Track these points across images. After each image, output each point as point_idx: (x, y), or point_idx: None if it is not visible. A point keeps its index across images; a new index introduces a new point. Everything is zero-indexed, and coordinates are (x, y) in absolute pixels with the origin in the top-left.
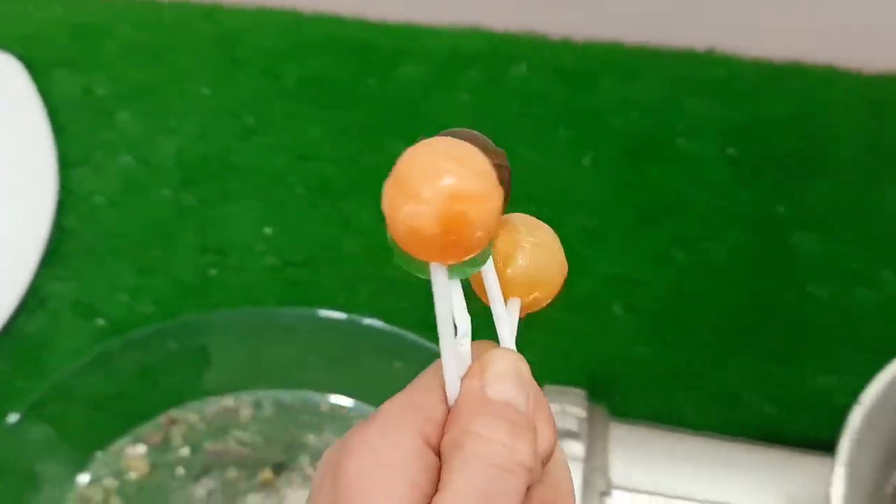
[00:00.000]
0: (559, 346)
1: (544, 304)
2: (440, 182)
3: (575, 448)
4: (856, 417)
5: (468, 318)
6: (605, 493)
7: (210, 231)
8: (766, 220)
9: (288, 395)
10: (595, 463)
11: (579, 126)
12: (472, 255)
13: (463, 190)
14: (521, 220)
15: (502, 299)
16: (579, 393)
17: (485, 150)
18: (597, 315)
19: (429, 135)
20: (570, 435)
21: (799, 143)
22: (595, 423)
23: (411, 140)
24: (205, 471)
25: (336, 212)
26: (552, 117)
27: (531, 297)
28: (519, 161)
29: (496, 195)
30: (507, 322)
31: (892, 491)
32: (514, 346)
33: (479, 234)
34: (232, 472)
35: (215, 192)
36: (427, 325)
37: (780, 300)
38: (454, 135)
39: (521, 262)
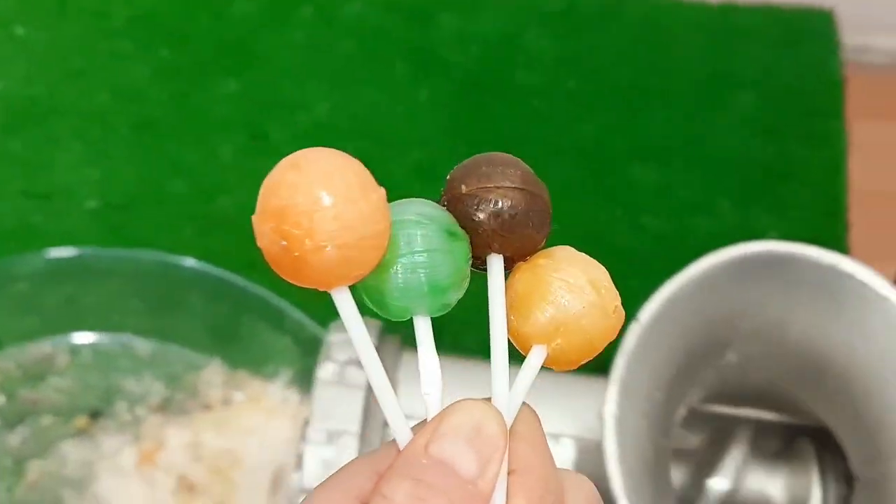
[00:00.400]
0: None
1: (577, 360)
2: (273, 193)
3: (358, 377)
4: (631, 335)
5: (436, 360)
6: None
7: (34, 175)
8: (603, 153)
9: (107, 340)
10: None
11: (416, 62)
12: (360, 271)
13: (287, 202)
14: (563, 254)
15: (504, 332)
16: (373, 324)
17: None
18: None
19: (258, 74)
20: (352, 363)
21: (638, 75)
22: (385, 354)
23: (241, 79)
24: (19, 418)
25: (161, 153)
26: (389, 54)
27: (553, 344)
28: (355, 99)
29: (348, 204)
30: (502, 368)
31: (687, 415)
32: (515, 401)
33: (327, 248)
34: (47, 420)
35: (40, 137)
36: (255, 266)
37: (613, 231)
38: (488, 159)
39: (543, 305)
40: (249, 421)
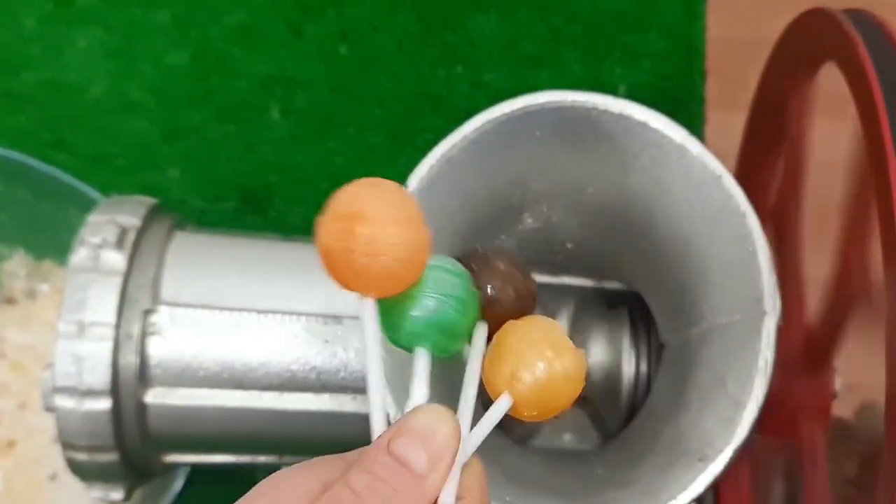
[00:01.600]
0: (207, 157)
1: (540, 415)
2: (350, 200)
3: (114, 260)
4: None
5: (425, 392)
6: (150, 311)
7: None
8: (441, 4)
9: None
10: (141, 279)
11: None
12: (395, 289)
13: (365, 209)
14: (546, 332)
15: (475, 382)
16: (145, 202)
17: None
18: (251, 121)
19: None
20: (107, 245)
21: None
22: (152, 235)
23: None
24: None
25: None
26: None
27: (525, 412)
28: None
29: (409, 228)
30: (468, 407)
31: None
32: (481, 430)
33: (383, 258)
34: None
35: None
36: (62, 146)
37: (452, 90)
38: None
39: (528, 384)
40: (55, 314)
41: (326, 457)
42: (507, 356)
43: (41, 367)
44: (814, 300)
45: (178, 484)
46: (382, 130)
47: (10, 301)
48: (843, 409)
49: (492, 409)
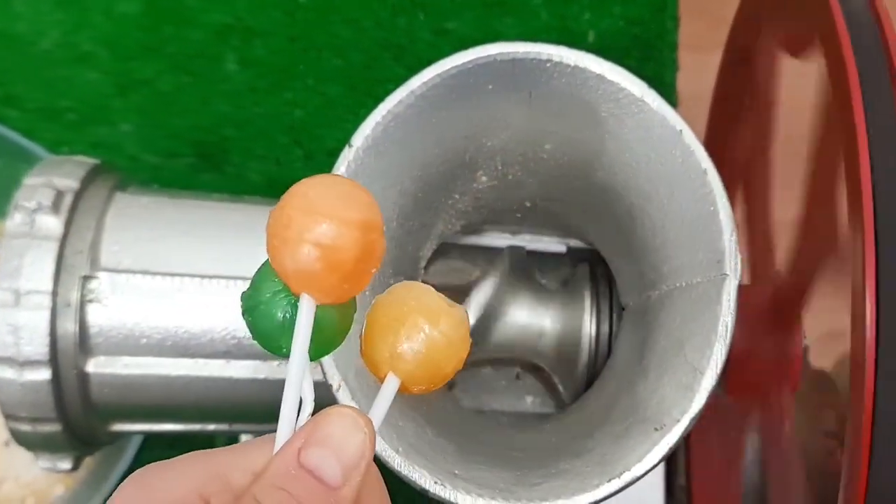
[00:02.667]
0: (160, 111)
1: (428, 386)
2: (359, 207)
3: (50, 225)
4: (342, 162)
5: (311, 394)
6: (89, 277)
7: None
8: None
9: None
10: (78, 244)
11: None
12: (344, 297)
13: (375, 219)
14: (417, 298)
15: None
16: (85, 163)
17: None
18: (206, 73)
19: None
20: (42, 209)
21: None
22: (90, 198)
23: None
24: None
25: None
26: None
27: (415, 388)
28: None
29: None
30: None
31: (454, 249)
32: (375, 423)
33: (373, 271)
34: None
35: None
36: (11, 101)
37: (414, 39)
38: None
39: (410, 361)
40: None
41: (205, 453)
42: (383, 335)
43: None
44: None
45: (132, 450)
46: (342, 81)
47: None
48: (822, 360)
49: (380, 393)
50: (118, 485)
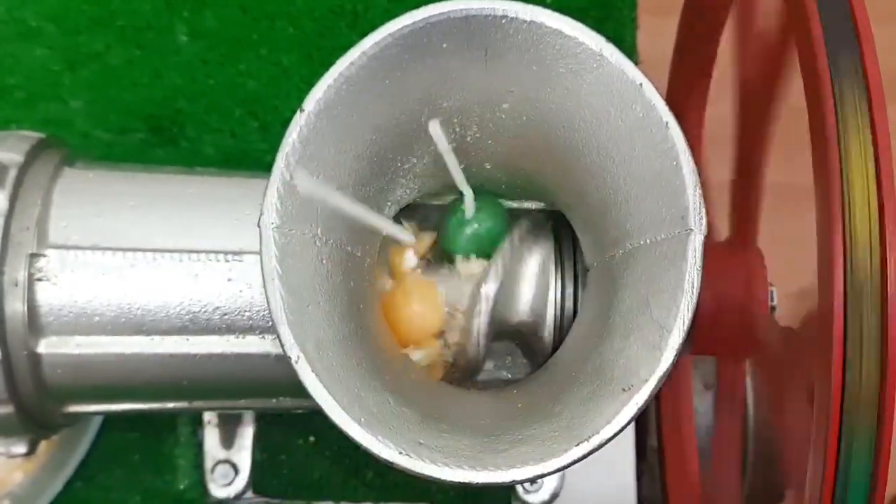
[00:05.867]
0: (111, 86)
1: None
2: None
3: None
4: (294, 128)
5: None
6: (37, 255)
7: None
8: None
9: None
10: (24, 220)
11: None
12: None
13: None
14: None
15: None
16: (29, 136)
17: None
18: (157, 45)
19: None
20: None
21: None
22: (36, 173)
23: None
24: None
25: None
26: None
27: None
28: None
29: None
30: None
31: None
32: None
33: None
34: None
35: None
36: None
37: (369, 6)
38: None
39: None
40: None
41: None
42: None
43: None
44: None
45: (92, 432)
46: (296, 51)
47: None
48: (790, 318)
49: None
50: (79, 468)
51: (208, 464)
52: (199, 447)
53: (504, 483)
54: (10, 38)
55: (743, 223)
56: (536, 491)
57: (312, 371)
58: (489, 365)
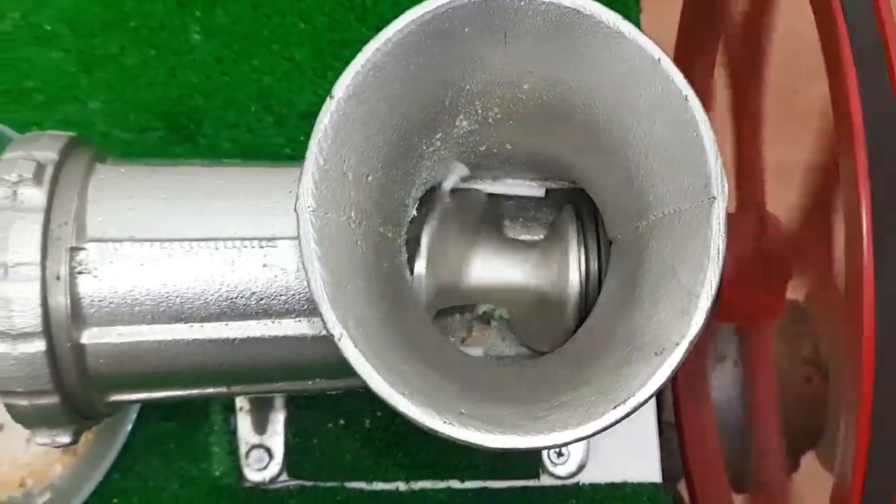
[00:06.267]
0: (127, 87)
1: None
2: None
3: (33, 197)
4: (325, 115)
5: None
6: (77, 249)
7: None
8: None
9: None
10: (63, 216)
11: None
12: None
13: None
14: None
15: None
16: (61, 136)
17: None
18: (171, 44)
19: None
20: (24, 181)
21: None
22: (71, 170)
23: None
24: None
25: None
26: None
27: None
28: None
29: None
30: None
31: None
32: None
33: None
34: None
35: None
36: None
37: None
38: None
39: None
40: None
41: None
42: None
43: None
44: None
45: (129, 424)
46: (308, 45)
47: None
48: (795, 291)
49: None
50: (117, 460)
51: (242, 449)
52: (232, 434)
53: (546, 447)
54: (27, 42)
55: (750, 187)
56: (564, 463)
57: (356, 347)
58: (507, 342)
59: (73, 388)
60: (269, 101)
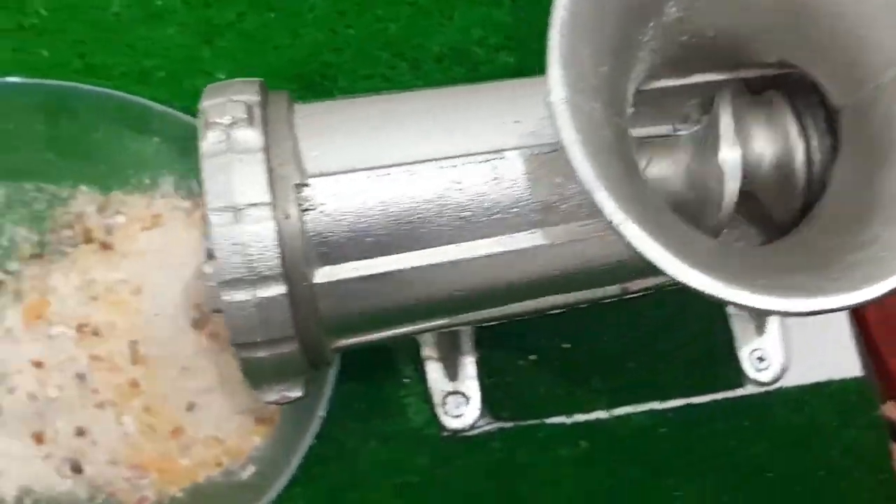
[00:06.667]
0: (252, 54)
1: None
2: None
3: (250, 137)
4: (559, 4)
5: None
6: (301, 185)
7: None
8: None
9: None
10: (281, 154)
11: None
12: None
13: None
14: None
15: None
16: (250, 81)
17: None
18: (288, 4)
19: None
20: (239, 122)
21: None
22: (274, 110)
23: None
24: None
25: None
26: None
27: None
28: None
29: None
30: None
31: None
32: None
33: None
34: None
35: None
36: (95, 71)
37: None
38: None
39: None
40: (138, 243)
41: None
42: None
43: (143, 301)
44: None
45: (329, 388)
46: None
47: (89, 240)
48: None
49: None
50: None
51: (437, 398)
52: (423, 384)
53: (858, 304)
54: (140, 20)
55: None
56: (766, 368)
57: (642, 229)
58: (733, 236)
59: (309, 332)
60: (399, 48)
